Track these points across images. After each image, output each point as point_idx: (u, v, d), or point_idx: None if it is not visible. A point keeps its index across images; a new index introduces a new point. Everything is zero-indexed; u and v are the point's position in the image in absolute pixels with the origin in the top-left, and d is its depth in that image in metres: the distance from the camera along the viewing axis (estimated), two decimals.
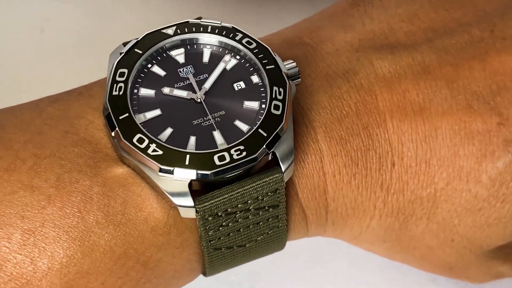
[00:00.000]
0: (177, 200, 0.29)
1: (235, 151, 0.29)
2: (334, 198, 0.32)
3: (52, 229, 0.28)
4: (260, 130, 0.29)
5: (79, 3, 0.51)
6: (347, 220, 0.33)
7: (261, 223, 0.30)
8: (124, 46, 0.31)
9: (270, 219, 0.30)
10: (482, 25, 0.33)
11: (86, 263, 0.28)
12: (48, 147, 0.29)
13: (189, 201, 0.29)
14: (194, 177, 0.28)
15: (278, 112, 0.30)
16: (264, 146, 0.29)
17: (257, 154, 0.29)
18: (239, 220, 0.30)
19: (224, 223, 0.30)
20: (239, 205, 0.29)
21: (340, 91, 0.32)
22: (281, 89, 0.30)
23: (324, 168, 0.31)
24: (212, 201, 0.29)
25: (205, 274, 0.32)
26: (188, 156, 0.29)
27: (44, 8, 0.50)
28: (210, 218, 0.29)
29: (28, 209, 0.28)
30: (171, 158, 0.28)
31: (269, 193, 0.30)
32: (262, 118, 0.30)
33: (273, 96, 0.30)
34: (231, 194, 0.29)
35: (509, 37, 0.33)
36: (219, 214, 0.29)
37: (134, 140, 0.29)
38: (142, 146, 0.29)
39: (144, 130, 0.29)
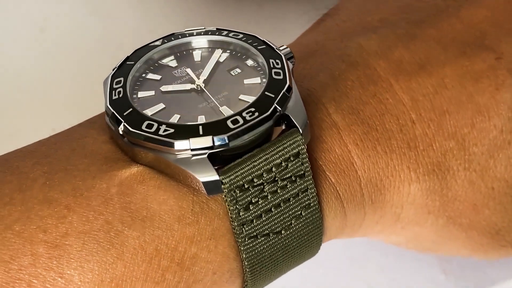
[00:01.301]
0: (199, 175, 0.28)
1: (247, 113, 0.29)
2: (364, 168, 0.31)
3: (76, 236, 0.27)
4: (266, 92, 0.29)
5: (79, 3, 0.51)
6: (385, 192, 0.32)
7: (291, 199, 0.30)
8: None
9: (300, 194, 0.30)
10: None
11: (119, 267, 0.27)
12: (57, 164, 0.29)
13: (212, 173, 0.28)
14: (210, 144, 0.28)
15: (280, 77, 0.30)
16: (275, 104, 0.29)
17: (269, 112, 0.29)
18: (268, 196, 0.29)
19: (253, 200, 0.29)
20: (264, 174, 0.29)
21: (339, 70, 0.33)
22: (277, 60, 0.31)
23: (344, 139, 0.31)
24: (237, 170, 0.28)
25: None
26: (201, 126, 0.28)
27: (44, 8, 0.50)
28: (237, 191, 0.28)
29: (48, 221, 0.27)
30: (184, 132, 0.28)
31: (291, 158, 0.29)
32: (265, 84, 0.30)
33: (271, 66, 0.30)
34: (253, 160, 0.28)
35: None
36: (246, 186, 0.28)
37: (143, 127, 0.28)
38: (153, 130, 0.28)
39: (151, 117, 0.29)
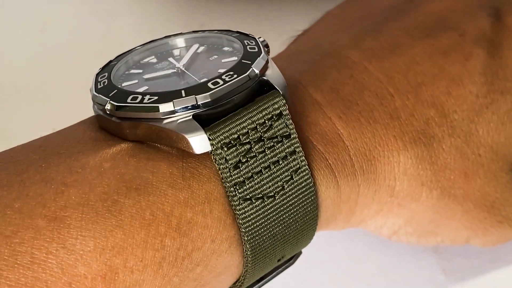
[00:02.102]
0: (187, 133, 0.29)
1: (226, 76, 0.30)
2: (351, 138, 0.32)
3: (74, 208, 0.28)
4: (243, 60, 0.31)
5: (79, 3, 0.51)
6: (376, 163, 0.33)
7: (280, 161, 0.30)
8: None
9: (288, 157, 0.30)
10: (402, 1, 0.38)
11: (118, 235, 0.28)
12: (51, 151, 0.30)
13: (199, 130, 0.29)
14: (194, 102, 0.29)
15: (255, 50, 0.31)
16: (252, 67, 0.30)
17: (247, 73, 0.30)
18: (257, 156, 0.30)
19: (242, 159, 0.29)
20: (250, 132, 0.30)
21: (314, 59, 0.34)
22: (251, 41, 0.32)
23: (326, 113, 0.32)
24: (222, 126, 0.29)
25: (247, 261, 0.31)
26: (183, 90, 0.29)
27: (44, 8, 0.50)
28: (225, 148, 0.29)
29: (46, 197, 0.28)
30: (167, 97, 0.29)
31: (274, 117, 0.30)
32: (241, 54, 0.31)
33: (246, 44, 0.32)
34: (237, 117, 0.29)
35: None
36: (233, 143, 0.29)
37: (128, 100, 0.30)
38: (137, 101, 0.29)
39: (136, 91, 0.30)
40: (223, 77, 0.30)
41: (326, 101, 0.33)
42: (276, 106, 0.30)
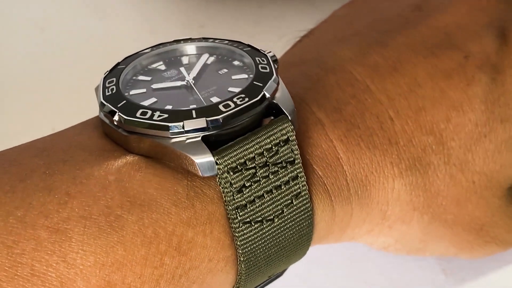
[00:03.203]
0: (194, 156, 0.29)
1: (238, 98, 0.30)
2: (350, 163, 0.32)
3: (77, 221, 0.28)
4: (255, 82, 0.31)
5: (79, 3, 0.51)
6: (371, 188, 0.33)
7: (282, 186, 0.30)
8: None
9: (290, 182, 0.31)
10: (410, 9, 0.37)
11: (119, 251, 0.28)
12: (55, 156, 0.29)
13: (207, 153, 0.29)
14: (204, 125, 0.29)
15: (267, 71, 0.31)
16: (264, 91, 0.30)
17: (259, 97, 0.30)
18: (260, 181, 0.30)
19: (246, 183, 0.30)
20: (256, 158, 0.30)
21: (318, 76, 0.34)
22: (263, 58, 0.32)
23: (329, 135, 0.32)
24: (230, 151, 0.29)
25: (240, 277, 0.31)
26: (194, 111, 0.29)
27: (44, 8, 0.50)
28: (231, 173, 0.29)
29: (49, 207, 0.28)
30: (177, 116, 0.29)
31: (281, 143, 0.30)
32: (253, 75, 0.31)
33: (258, 63, 0.32)
34: (246, 142, 0.29)
35: (435, 7, 0.37)
36: (239, 168, 0.29)
37: (138, 114, 0.29)
38: (147, 116, 0.29)
39: (145, 106, 0.30)
40: (235, 99, 0.30)
41: (329, 121, 0.32)
42: (284, 131, 0.30)
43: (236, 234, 0.30)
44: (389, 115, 0.33)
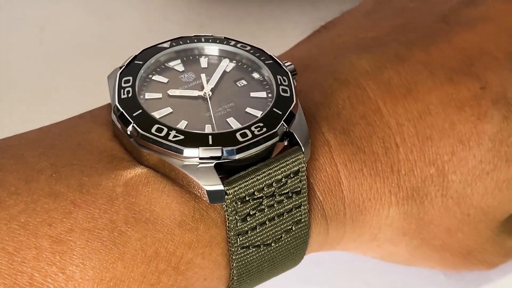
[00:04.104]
0: (205, 184, 0.28)
1: (255, 128, 0.29)
2: (350, 188, 0.32)
3: (80, 233, 0.27)
4: (274, 109, 0.30)
5: (79, 3, 0.51)
6: (366, 213, 0.33)
7: (285, 214, 0.30)
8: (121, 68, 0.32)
9: (293, 210, 0.31)
10: (437, 19, 0.36)
11: (118, 267, 0.28)
12: (64, 157, 0.29)
13: (218, 183, 0.28)
14: (219, 154, 0.28)
15: (287, 94, 0.31)
16: (282, 122, 0.30)
17: (277, 128, 0.30)
18: (265, 210, 0.30)
19: (251, 212, 0.29)
20: (265, 189, 0.29)
21: (331, 88, 0.33)
22: (284, 77, 0.31)
23: (334, 159, 0.32)
24: (241, 182, 0.29)
25: None
26: (210, 136, 0.29)
27: (44, 8, 0.50)
28: (239, 203, 0.29)
29: (53, 215, 0.27)
30: (193, 140, 0.29)
31: (291, 175, 0.30)
32: (273, 100, 0.30)
33: (279, 83, 0.31)
34: (257, 173, 0.29)
35: (463, 22, 0.36)
36: (247, 198, 0.29)
37: (153, 130, 0.29)
38: (162, 134, 0.29)
39: (161, 121, 0.29)
40: (253, 128, 0.29)
41: (337, 144, 0.32)
42: (296, 163, 0.30)
43: (234, 257, 0.30)
44: (395, 141, 0.33)
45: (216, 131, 0.29)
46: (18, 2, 0.50)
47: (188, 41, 0.33)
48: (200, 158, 0.28)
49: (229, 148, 0.29)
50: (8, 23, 0.50)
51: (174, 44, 0.32)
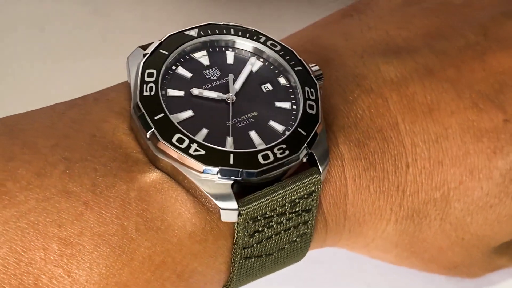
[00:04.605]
0: (220, 203, 0.28)
1: (278, 149, 0.29)
2: (354, 203, 0.32)
3: (90, 237, 0.27)
4: (299, 129, 0.29)
5: (79, 3, 0.51)
6: (363, 226, 0.33)
7: (291, 229, 0.30)
8: (144, 49, 0.30)
9: (300, 225, 0.30)
10: (475, 30, 0.34)
11: (124, 273, 0.27)
12: (78, 151, 0.28)
13: (233, 203, 0.28)
14: (239, 176, 0.28)
15: (313, 112, 0.30)
16: (306, 145, 0.29)
17: (299, 152, 0.29)
18: (273, 226, 0.29)
19: (260, 228, 0.29)
20: (277, 208, 0.29)
21: (353, 95, 0.32)
22: (312, 90, 0.30)
23: (345, 173, 0.31)
24: (256, 203, 0.28)
25: None
26: (232, 155, 0.28)
27: (44, 7, 0.50)
28: (250, 222, 0.29)
29: (64, 216, 0.27)
30: (214, 158, 0.28)
31: (305, 196, 0.29)
32: (299, 117, 0.30)
33: (306, 97, 0.30)
34: (273, 195, 0.29)
35: (503, 38, 0.34)
36: (259, 218, 0.29)
37: (174, 140, 0.28)
38: (183, 146, 0.28)
39: (182, 130, 0.28)
40: (275, 150, 0.29)
41: (350, 158, 0.31)
42: (311, 185, 0.29)
43: (235, 265, 0.30)
44: (406, 162, 0.32)
45: (237, 150, 0.28)
46: (18, 2, 0.50)
47: (216, 31, 0.31)
48: (219, 177, 0.28)
49: (250, 171, 0.28)
50: (8, 23, 0.50)
51: (202, 33, 0.31)
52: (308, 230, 0.31)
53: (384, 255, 0.35)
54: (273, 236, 0.30)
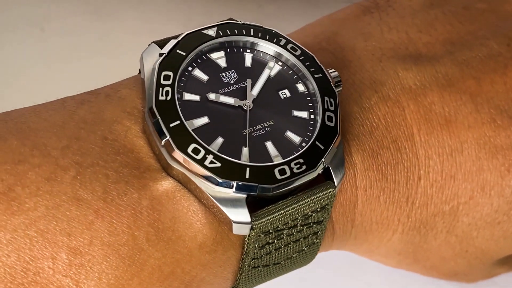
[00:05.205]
0: (234, 216, 0.27)
1: (295, 164, 0.28)
2: (362, 212, 0.32)
3: (100, 247, 0.26)
4: (317, 142, 0.29)
5: (79, 3, 0.51)
6: (369, 234, 0.33)
7: (301, 239, 0.30)
8: (160, 46, 0.29)
9: (310, 236, 0.30)
10: (498, 39, 0.33)
11: (134, 284, 0.27)
12: (89, 155, 0.27)
13: (246, 217, 0.27)
14: (255, 192, 0.27)
15: (332, 124, 0.29)
16: (323, 159, 0.28)
17: (317, 167, 0.28)
18: (284, 237, 0.29)
19: (271, 241, 0.29)
20: (289, 222, 0.28)
21: (369, 102, 0.32)
22: (331, 100, 0.30)
23: (357, 182, 0.31)
24: (269, 217, 0.28)
25: None
26: (248, 169, 0.27)
27: (44, 8, 0.50)
28: (262, 235, 0.28)
29: (74, 225, 0.26)
30: (230, 171, 0.27)
31: (319, 209, 0.29)
32: (317, 130, 0.29)
33: (326, 107, 0.29)
34: (286, 209, 0.28)
35: None
36: (271, 231, 0.28)
37: (189, 150, 0.27)
38: (198, 157, 0.27)
39: (198, 139, 0.27)
40: (292, 164, 0.28)
41: (362, 168, 0.31)
42: (325, 198, 0.29)
43: (243, 274, 0.30)
44: (418, 174, 0.31)
45: (254, 164, 0.27)
46: (18, 2, 0.50)
47: (236, 31, 0.30)
48: (234, 192, 0.27)
49: (266, 186, 0.27)
50: (8, 23, 0.50)
51: (220, 32, 0.30)
52: (317, 240, 0.30)
53: (386, 260, 0.35)
54: (282, 247, 0.29)
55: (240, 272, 0.30)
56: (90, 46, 0.49)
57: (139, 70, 0.30)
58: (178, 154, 0.27)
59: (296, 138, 0.29)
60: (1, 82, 0.48)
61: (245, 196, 0.27)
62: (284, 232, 0.29)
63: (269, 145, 0.28)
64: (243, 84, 0.30)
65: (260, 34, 0.30)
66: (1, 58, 0.48)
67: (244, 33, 0.30)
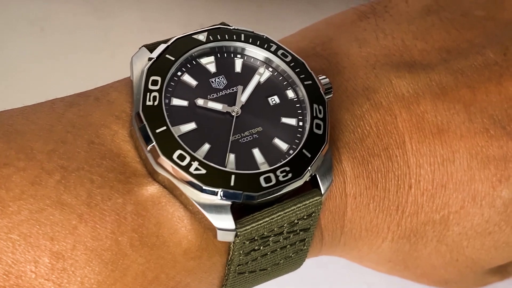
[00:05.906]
0: (218, 223, 0.27)
1: (281, 172, 0.28)
2: (352, 220, 0.31)
3: (83, 251, 0.26)
4: (304, 150, 0.28)
5: (79, 3, 0.51)
6: (359, 241, 0.33)
7: (288, 246, 0.30)
8: (150, 50, 0.29)
9: (297, 243, 0.30)
10: (495, 48, 0.33)
11: None
12: (75, 159, 0.27)
13: (230, 224, 0.27)
14: (240, 199, 0.27)
15: (320, 132, 0.29)
16: (310, 167, 0.28)
17: (303, 176, 0.28)
18: (270, 244, 0.29)
19: (256, 247, 0.29)
20: (275, 229, 0.28)
21: (361, 109, 0.31)
22: (320, 107, 0.30)
23: (346, 190, 0.31)
24: (254, 225, 0.28)
25: None
26: (233, 176, 0.27)
27: (44, 7, 0.50)
28: (247, 242, 0.28)
29: (57, 229, 0.26)
30: (215, 178, 0.27)
31: (305, 217, 0.29)
32: (305, 137, 0.29)
33: (314, 115, 0.29)
34: (271, 217, 0.28)
35: None
36: (256, 238, 0.28)
37: (174, 157, 0.27)
38: (184, 164, 0.27)
39: (184, 146, 0.27)
40: (278, 172, 0.28)
41: (352, 176, 0.31)
42: (312, 206, 0.29)
43: (229, 280, 0.29)
44: (409, 183, 0.31)
45: (239, 171, 0.27)
46: (18, 1, 0.50)
47: (226, 36, 0.30)
48: (218, 198, 0.27)
49: (250, 194, 0.27)
50: (8, 23, 0.50)
51: (211, 37, 0.30)
52: (305, 247, 0.30)
53: (376, 266, 0.35)
54: (268, 253, 0.29)
55: (226, 278, 0.29)
56: (90, 46, 0.49)
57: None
58: (163, 160, 0.27)
59: (283, 146, 0.29)
60: (1, 81, 0.48)
61: (229, 203, 0.27)
62: (270, 239, 0.29)
63: (256, 152, 0.28)
64: (233, 89, 0.29)
65: (250, 39, 0.30)
66: (1, 57, 0.48)
67: (235, 38, 0.30)
